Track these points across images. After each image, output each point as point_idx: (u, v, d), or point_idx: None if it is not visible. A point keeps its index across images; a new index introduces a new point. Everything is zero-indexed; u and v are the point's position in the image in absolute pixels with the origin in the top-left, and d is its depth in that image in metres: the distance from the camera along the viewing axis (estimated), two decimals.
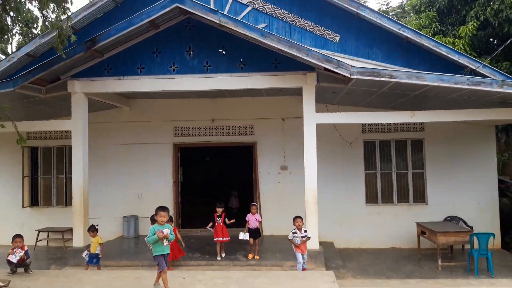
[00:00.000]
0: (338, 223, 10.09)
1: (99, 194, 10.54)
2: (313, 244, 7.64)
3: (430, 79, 6.75)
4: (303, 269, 7.02)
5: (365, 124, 10.25)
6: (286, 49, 7.01)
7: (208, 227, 8.27)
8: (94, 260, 7.38)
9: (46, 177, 11.29)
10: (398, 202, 10.24)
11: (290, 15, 9.59)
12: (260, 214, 10.45)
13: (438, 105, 8.61)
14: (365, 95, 8.76)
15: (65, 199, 11.12)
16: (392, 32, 9.12)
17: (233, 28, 7.27)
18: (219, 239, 8.12)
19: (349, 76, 6.83)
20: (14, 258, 6.10)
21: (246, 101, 10.60)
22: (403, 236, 10.02)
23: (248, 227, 8.22)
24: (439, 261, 8.20)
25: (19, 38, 19.66)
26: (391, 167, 10.28)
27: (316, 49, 7.21)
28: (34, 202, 11.30)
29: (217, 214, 8.18)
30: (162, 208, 5.58)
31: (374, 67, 7.38)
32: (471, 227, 9.36)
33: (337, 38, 9.51)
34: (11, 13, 7.19)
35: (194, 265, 8.02)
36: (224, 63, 7.96)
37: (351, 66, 6.83)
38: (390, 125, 10.23)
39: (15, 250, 6.17)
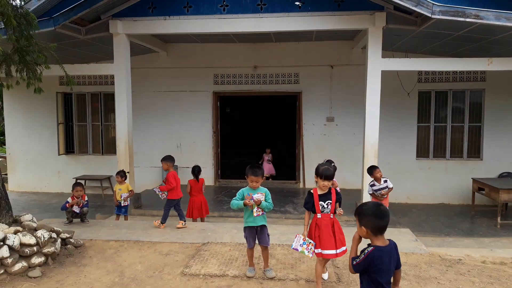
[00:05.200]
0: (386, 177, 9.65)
1: (137, 143, 10.14)
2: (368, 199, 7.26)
3: None
4: None
5: (421, 73, 9.52)
6: None
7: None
8: (123, 210, 6.66)
9: (81, 124, 10.91)
10: (451, 157, 9.72)
11: None
12: (303, 168, 10.08)
13: (506, 51, 7.84)
14: (430, 41, 7.98)
15: (101, 147, 10.83)
16: None
17: None
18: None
19: (429, 15, 6.07)
20: (77, 209, 5.80)
21: (291, 46, 9.86)
22: (454, 192, 9.62)
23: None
24: (499, 218, 7.80)
25: None
26: (446, 119, 9.66)
27: None
28: (69, 149, 11.02)
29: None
30: (253, 171, 3.97)
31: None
32: None
33: None
34: None
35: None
36: (280, 1, 7.18)
37: (433, 4, 6.04)
38: (449, 74, 9.48)
39: (79, 199, 5.85)
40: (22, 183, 10.97)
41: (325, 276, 4.02)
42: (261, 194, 3.93)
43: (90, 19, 7.57)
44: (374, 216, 2.51)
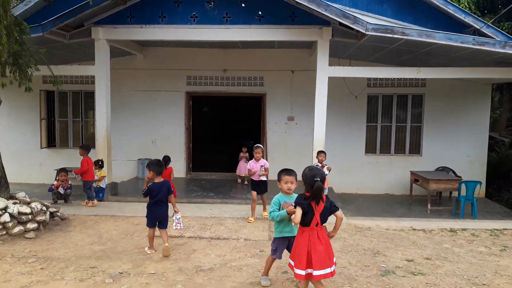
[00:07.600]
0: (338, 171, 10.86)
1: (115, 138, 11.00)
2: None
3: (439, 38, 7.24)
4: None
5: (370, 79, 10.80)
6: (305, 3, 7.38)
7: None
8: (100, 195, 7.72)
9: (62, 120, 11.77)
10: (394, 153, 11.06)
11: None
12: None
13: (441, 62, 9.16)
14: (374, 51, 9.23)
15: (81, 141, 11.69)
16: None
17: None
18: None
19: (364, 32, 7.29)
20: (62, 190, 6.77)
21: (257, 52, 10.99)
22: (397, 183, 10.95)
23: (251, 179, 6.48)
24: (429, 205, 9.09)
25: None
26: (392, 120, 10.99)
27: (332, 4, 7.57)
28: (51, 143, 11.86)
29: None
30: (287, 172, 3.88)
31: (385, 23, 7.81)
32: (460, 177, 10.26)
33: None
34: None
35: (211, 202, 8.79)
36: (243, 14, 8.30)
37: (367, 22, 7.26)
38: (394, 80, 10.80)
39: (63, 182, 6.82)
40: None
41: None
42: None
43: (74, 26, 8.51)
44: (157, 165, 4.78)
